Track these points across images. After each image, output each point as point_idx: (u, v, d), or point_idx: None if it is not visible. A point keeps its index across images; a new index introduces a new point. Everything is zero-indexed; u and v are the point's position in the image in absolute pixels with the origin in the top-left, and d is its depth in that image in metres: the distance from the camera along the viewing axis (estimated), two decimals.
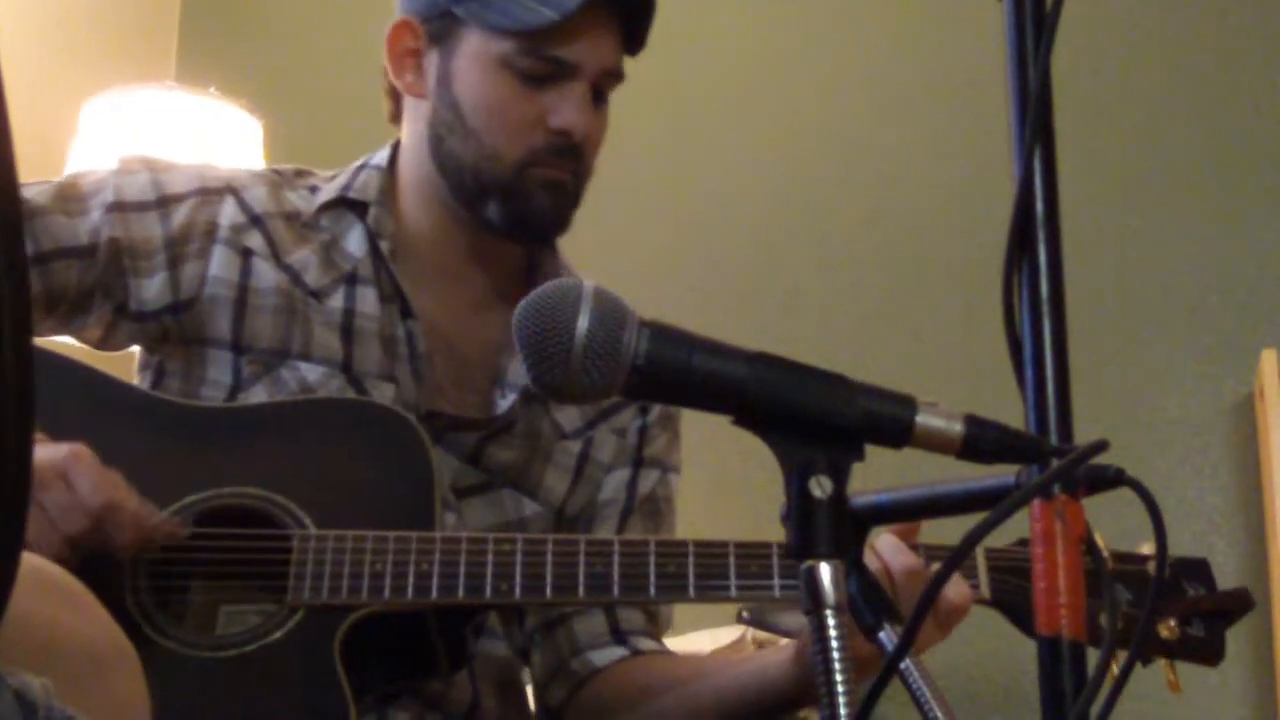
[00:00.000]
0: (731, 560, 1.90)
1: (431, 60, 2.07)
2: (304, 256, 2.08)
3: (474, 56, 2.03)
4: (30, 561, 1.31)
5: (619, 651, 2.12)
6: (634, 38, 2.06)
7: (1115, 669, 1.21)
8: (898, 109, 4.01)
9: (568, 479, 2.14)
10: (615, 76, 2.07)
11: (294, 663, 1.85)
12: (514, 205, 2.04)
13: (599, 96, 2.07)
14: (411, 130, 2.13)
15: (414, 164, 2.12)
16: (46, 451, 1.79)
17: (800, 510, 1.17)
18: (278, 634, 1.85)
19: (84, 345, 2.13)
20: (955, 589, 1.84)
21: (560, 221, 2.07)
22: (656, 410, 2.20)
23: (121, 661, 1.32)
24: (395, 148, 2.17)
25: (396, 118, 2.17)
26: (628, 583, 1.88)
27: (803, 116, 4.02)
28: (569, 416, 2.15)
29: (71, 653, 1.24)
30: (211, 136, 3.67)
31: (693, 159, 4.08)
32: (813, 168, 4.03)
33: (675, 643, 2.27)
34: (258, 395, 2.02)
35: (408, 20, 2.08)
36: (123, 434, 1.97)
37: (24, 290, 0.74)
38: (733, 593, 1.90)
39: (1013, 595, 1.91)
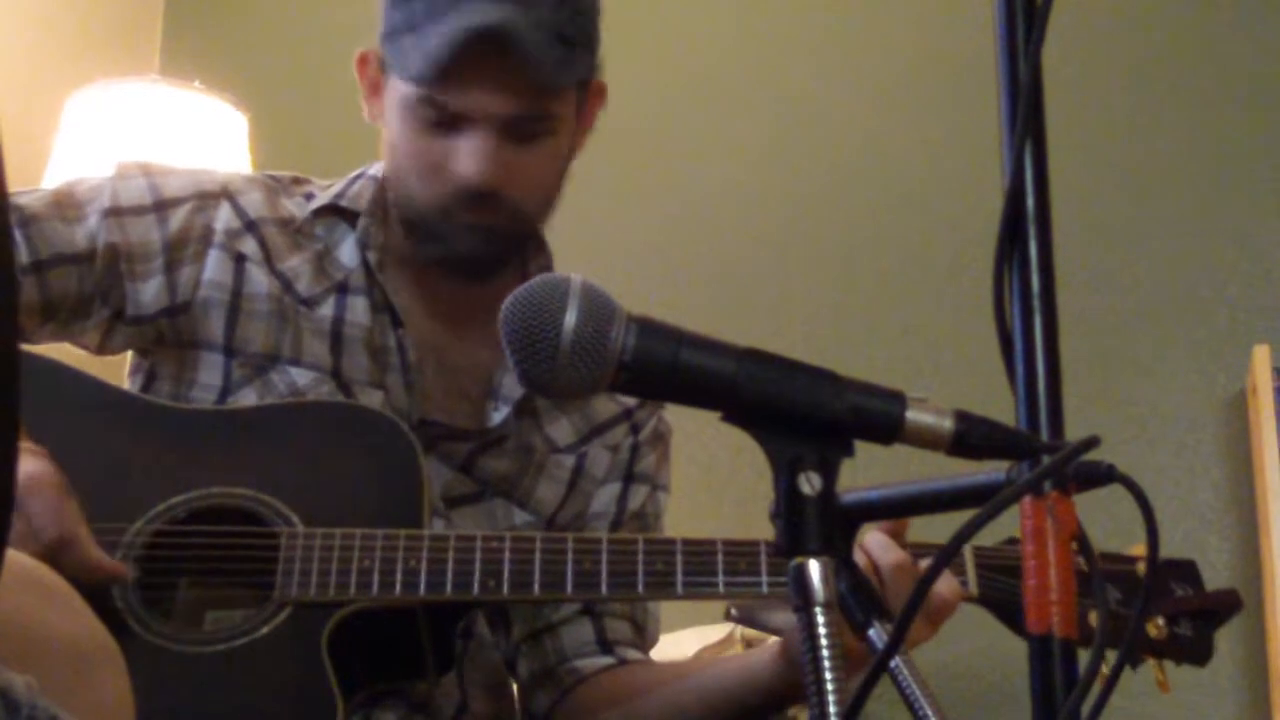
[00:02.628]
0: (719, 558, 1.89)
1: (383, 93, 2.06)
2: (296, 264, 2.07)
3: (393, 97, 2.02)
4: (15, 559, 1.31)
5: (606, 660, 2.12)
6: (538, 82, 1.96)
7: (1106, 668, 1.20)
8: (887, 103, 4.01)
9: (560, 492, 2.13)
10: (528, 120, 1.98)
11: (282, 658, 1.84)
12: (441, 248, 2.03)
13: (522, 138, 1.99)
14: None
15: (389, 186, 2.11)
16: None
17: (789, 507, 1.17)
18: (265, 629, 1.85)
19: (80, 350, 2.12)
20: (945, 584, 1.84)
21: (492, 261, 2.06)
22: (648, 429, 2.20)
23: (106, 660, 1.31)
24: None
25: None
26: (616, 580, 1.88)
27: (792, 111, 4.02)
28: (562, 431, 2.15)
29: (56, 651, 1.24)
30: (196, 130, 3.65)
31: (681, 155, 4.07)
32: (802, 162, 4.02)
33: (663, 641, 2.27)
34: (247, 398, 2.02)
35: (367, 52, 2.07)
36: (110, 435, 1.97)
37: (10, 289, 0.73)
38: (720, 589, 1.90)
39: (1000, 593, 1.91)
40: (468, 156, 1.96)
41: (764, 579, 1.89)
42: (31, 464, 1.79)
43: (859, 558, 1.81)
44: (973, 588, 1.92)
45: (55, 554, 1.75)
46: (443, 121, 1.96)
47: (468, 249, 2.01)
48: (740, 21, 4.11)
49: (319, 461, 1.97)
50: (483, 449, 2.08)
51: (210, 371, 2.03)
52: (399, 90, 1.99)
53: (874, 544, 1.84)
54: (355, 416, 2.00)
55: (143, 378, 2.08)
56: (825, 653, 1.13)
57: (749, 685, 1.98)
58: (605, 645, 2.12)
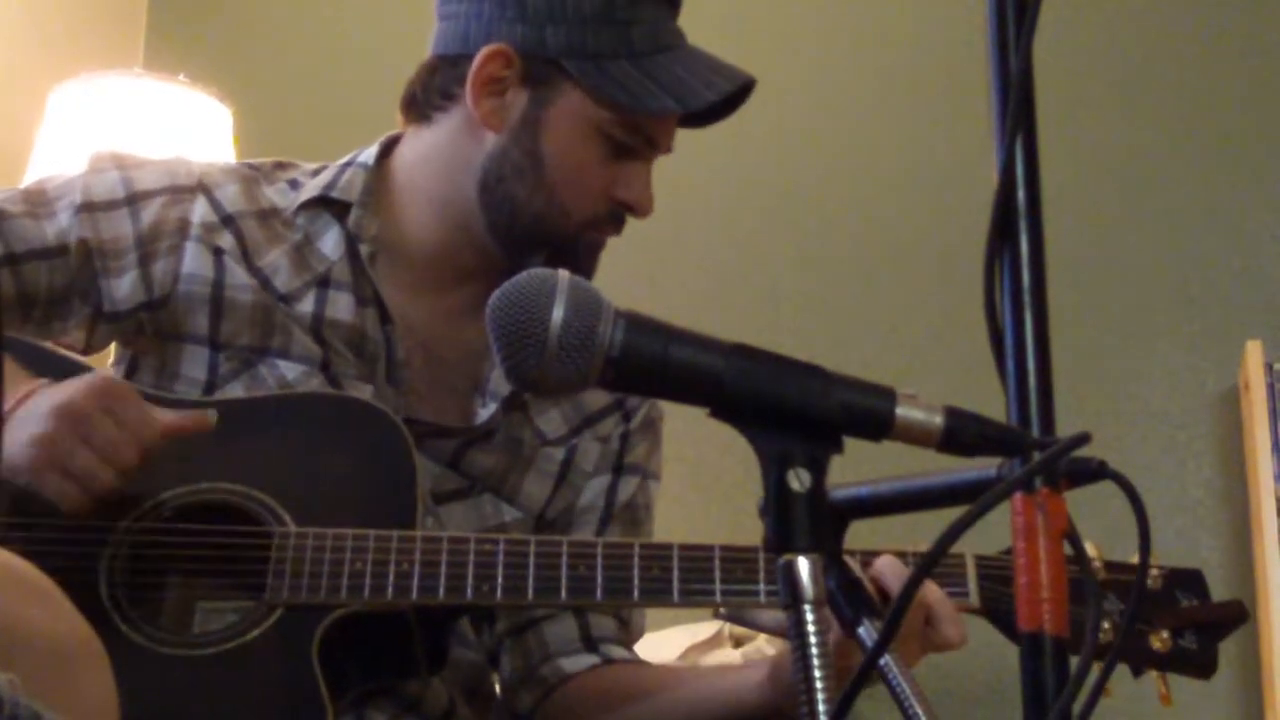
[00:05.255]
0: (717, 564, 1.88)
1: (518, 99, 2.03)
2: (274, 259, 2.05)
3: (572, 114, 2.01)
4: None
5: (590, 659, 2.10)
6: (693, 125, 2.12)
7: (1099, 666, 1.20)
8: (878, 97, 4.00)
9: (549, 485, 2.12)
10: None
11: (271, 662, 1.82)
12: (560, 264, 2.02)
13: None
14: (447, 146, 2.07)
15: (436, 178, 2.07)
16: (77, 387, 1.79)
17: (778, 504, 1.17)
18: (255, 632, 1.83)
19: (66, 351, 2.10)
20: (954, 628, 1.82)
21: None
22: (639, 417, 2.19)
23: (90, 658, 1.31)
24: (385, 146, 2.14)
25: (415, 116, 2.12)
26: (611, 586, 1.86)
27: (781, 107, 4.01)
28: (552, 423, 2.13)
29: (39, 649, 1.24)
30: (180, 124, 3.65)
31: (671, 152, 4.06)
32: (792, 158, 4.02)
33: (652, 639, 2.25)
34: (234, 392, 2.00)
35: (505, 50, 2.01)
36: None
37: None
38: (717, 597, 1.88)
39: (1001, 603, 1.89)
40: (644, 186, 2.07)
41: (762, 586, 1.87)
42: (96, 379, 1.82)
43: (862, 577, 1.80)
44: (974, 598, 1.90)
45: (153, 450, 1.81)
46: (626, 147, 2.04)
47: (587, 266, 2.06)
48: (730, 16, 4.10)
49: (310, 456, 1.95)
50: (470, 444, 2.07)
51: (194, 364, 2.01)
52: (587, 110, 2.01)
53: (887, 571, 1.83)
54: (347, 409, 1.99)
55: (124, 369, 2.06)
56: (815, 650, 1.13)
57: (736, 706, 1.96)
58: (590, 642, 2.11)
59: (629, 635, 2.16)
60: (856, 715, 1.17)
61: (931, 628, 1.82)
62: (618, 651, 2.12)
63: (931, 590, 1.83)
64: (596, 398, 2.16)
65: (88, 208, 2.02)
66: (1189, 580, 1.96)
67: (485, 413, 2.06)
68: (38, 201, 2.03)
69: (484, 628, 2.15)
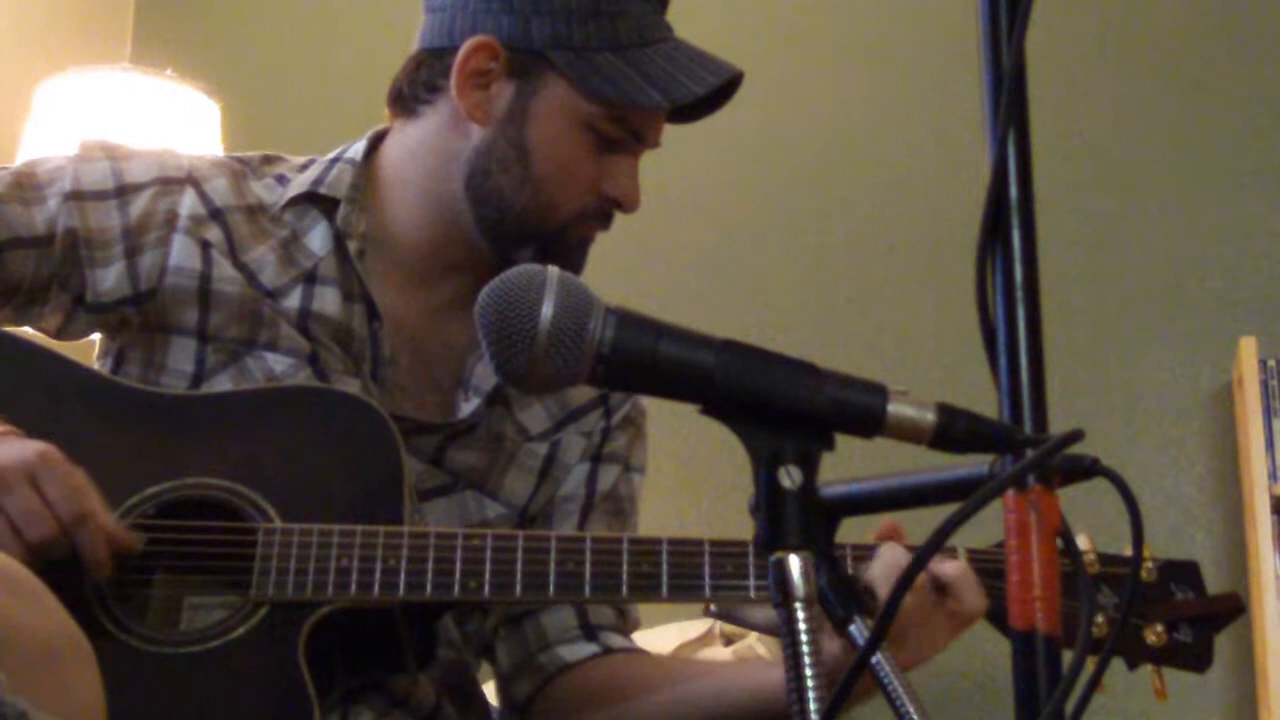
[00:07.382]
0: (706, 559, 1.87)
1: (504, 91, 2.01)
2: (261, 255, 2.04)
3: (558, 107, 2.00)
4: None
5: (590, 648, 2.09)
6: (681, 120, 2.09)
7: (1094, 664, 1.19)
8: (869, 93, 4.00)
9: (532, 481, 2.11)
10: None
11: (257, 660, 1.82)
12: (549, 259, 2.00)
13: None
14: (434, 140, 2.06)
15: (424, 172, 2.06)
16: (12, 449, 1.75)
17: (769, 501, 1.17)
18: (241, 630, 1.82)
19: (40, 334, 2.09)
20: (978, 596, 1.82)
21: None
22: (621, 413, 2.18)
23: (76, 656, 1.31)
24: (372, 141, 2.13)
25: (401, 111, 2.10)
26: (599, 581, 1.86)
27: (772, 102, 4.01)
28: (535, 418, 2.12)
29: (26, 647, 1.24)
30: (168, 119, 3.65)
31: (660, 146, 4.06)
32: (783, 154, 4.02)
33: (643, 637, 2.24)
34: (222, 385, 1.99)
35: (490, 43, 2.00)
36: (84, 421, 1.94)
37: None
38: (707, 592, 1.87)
39: (994, 598, 1.88)
40: (630, 179, 2.05)
41: (751, 582, 1.87)
42: (31, 441, 1.77)
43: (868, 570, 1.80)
44: None
45: (75, 531, 1.74)
46: (613, 141, 2.02)
47: (572, 263, 2.03)
48: (721, 11, 4.10)
49: (297, 450, 1.94)
50: (452, 439, 2.06)
51: (181, 356, 2.00)
52: (574, 102, 1.99)
53: (886, 571, 1.82)
54: (334, 403, 1.97)
55: (111, 361, 2.05)
56: (806, 649, 1.13)
57: (757, 703, 1.94)
58: (589, 631, 2.10)
59: (627, 624, 2.15)
60: (849, 714, 1.17)
61: (954, 599, 1.81)
62: (617, 640, 2.11)
63: (948, 566, 1.82)
64: (580, 392, 2.15)
65: (76, 196, 2.01)
66: (1184, 572, 1.95)
67: (468, 408, 2.05)
68: (27, 186, 2.01)
69: (472, 620, 2.14)
